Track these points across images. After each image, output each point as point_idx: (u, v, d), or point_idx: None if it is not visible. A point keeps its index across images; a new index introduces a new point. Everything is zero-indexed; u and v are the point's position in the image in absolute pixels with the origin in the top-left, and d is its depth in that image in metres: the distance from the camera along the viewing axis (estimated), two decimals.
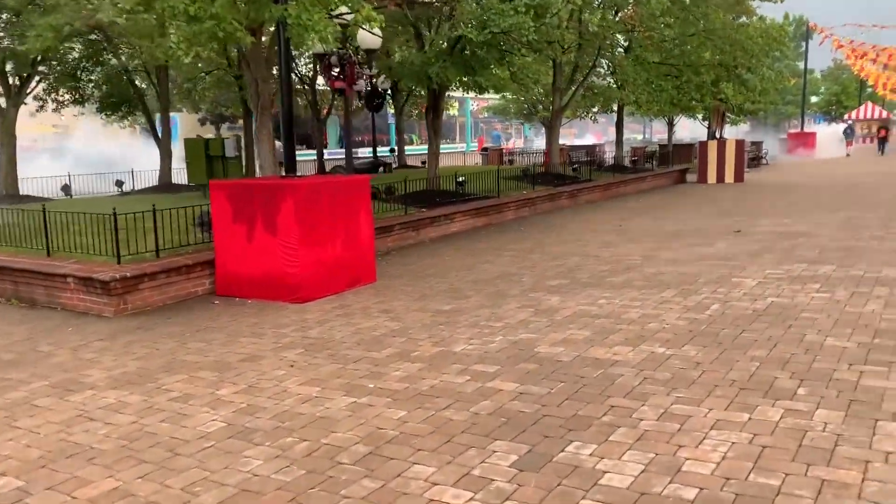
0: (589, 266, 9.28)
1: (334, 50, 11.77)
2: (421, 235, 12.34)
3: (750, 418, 4.12)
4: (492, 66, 13.24)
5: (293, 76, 16.39)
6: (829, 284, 7.44)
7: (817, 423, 4.00)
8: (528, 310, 7.07)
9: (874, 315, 6.17)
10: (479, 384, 4.94)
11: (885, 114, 56.74)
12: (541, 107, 22.90)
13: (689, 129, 45.91)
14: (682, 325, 6.22)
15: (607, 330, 6.17)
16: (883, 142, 38.85)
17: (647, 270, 8.77)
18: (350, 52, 12.88)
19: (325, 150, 23.95)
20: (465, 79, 13.06)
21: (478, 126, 53.76)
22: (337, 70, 12.52)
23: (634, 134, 60.50)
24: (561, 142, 22.56)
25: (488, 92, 14.03)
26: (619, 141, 23.62)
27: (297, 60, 19.44)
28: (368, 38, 12.25)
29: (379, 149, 26.65)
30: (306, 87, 20.98)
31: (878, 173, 23.99)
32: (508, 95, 30.33)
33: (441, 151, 16.78)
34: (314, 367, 5.54)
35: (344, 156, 19.53)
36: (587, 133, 47.79)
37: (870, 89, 54.94)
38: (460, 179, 15.55)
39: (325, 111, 22.50)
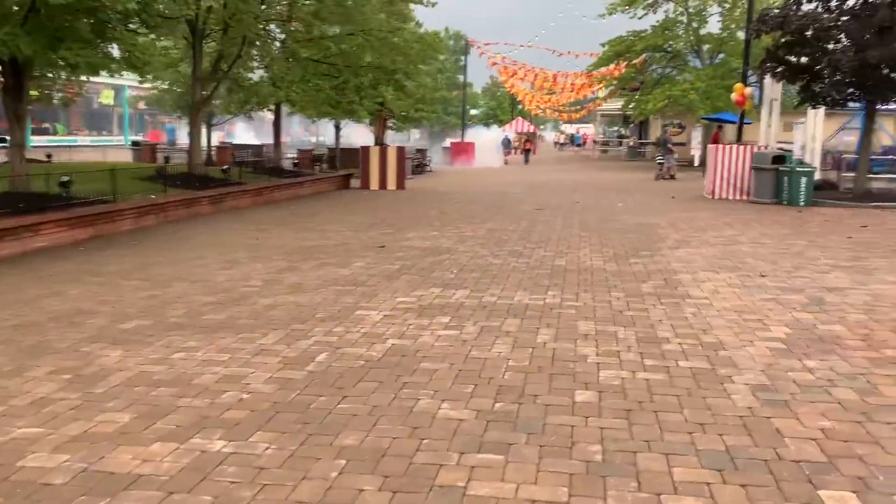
0: (192, 296, 7.34)
1: None
2: None
3: None
4: (93, 40, 10.59)
5: None
6: (459, 317, 6.44)
7: None
8: (63, 377, 4.92)
9: (500, 362, 5.16)
10: None
11: (532, 128, 62.91)
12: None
13: (365, 134, 46.10)
14: (268, 392, 4.60)
15: (162, 408, 4.31)
16: (527, 153, 42.53)
17: (260, 302, 7.09)
18: None
19: None
20: (52, 55, 10.21)
21: (142, 118, 48.30)
22: None
23: (313, 137, 59.54)
24: (232, 140, 20.26)
25: (86, 72, 11.29)
26: (277, 142, 21.94)
27: None
28: None
29: None
30: None
31: (524, 183, 25.53)
32: (163, 85, 26.91)
33: (91, 145, 13.48)
34: None
35: None
36: (266, 132, 45.53)
37: (520, 105, 60.64)
38: (64, 179, 12.55)
39: None
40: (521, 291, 7.50)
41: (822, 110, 18.76)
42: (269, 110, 22.37)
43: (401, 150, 23.56)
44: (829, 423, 4.03)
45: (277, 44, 19.22)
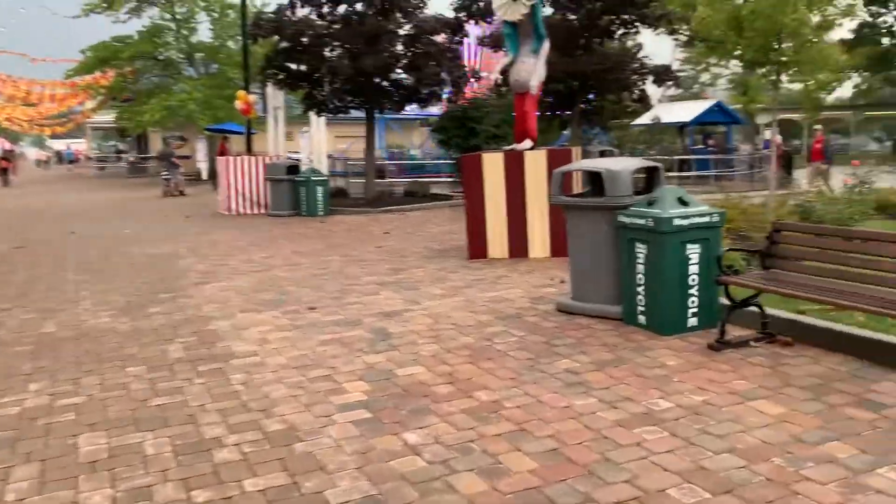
0: None
1: None
2: None
3: None
4: None
5: None
6: None
7: None
8: None
9: None
10: None
11: (7, 145, 53.49)
12: None
13: None
14: None
15: None
16: (5, 173, 35.60)
17: None
18: None
19: None
20: None
21: None
22: None
23: None
24: None
25: None
26: None
27: None
28: None
29: None
30: None
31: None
32: None
33: None
34: None
35: None
36: None
37: None
38: None
39: None
40: None
41: (323, 118, 18.89)
42: None
43: None
44: None
45: None
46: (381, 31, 15.65)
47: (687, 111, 34.21)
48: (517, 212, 9.21)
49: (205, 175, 32.90)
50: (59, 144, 75.45)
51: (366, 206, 17.16)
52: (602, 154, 22.34)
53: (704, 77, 52.71)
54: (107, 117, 44.50)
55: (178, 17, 35.33)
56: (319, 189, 16.18)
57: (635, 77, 18.09)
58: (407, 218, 15.31)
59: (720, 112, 34.77)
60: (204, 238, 12.86)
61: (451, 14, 17.08)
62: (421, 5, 16.99)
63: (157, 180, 32.43)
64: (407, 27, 16.39)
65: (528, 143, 9.57)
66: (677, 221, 5.41)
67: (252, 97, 18.31)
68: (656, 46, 26.73)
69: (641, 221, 5.57)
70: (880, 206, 10.14)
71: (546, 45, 9.58)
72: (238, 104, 18.31)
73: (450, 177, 21.76)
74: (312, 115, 18.50)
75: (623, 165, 6.10)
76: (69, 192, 28.65)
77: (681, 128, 33.73)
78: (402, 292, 7.58)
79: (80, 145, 67.82)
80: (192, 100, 31.67)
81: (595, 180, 6.51)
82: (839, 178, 10.56)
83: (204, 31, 38.17)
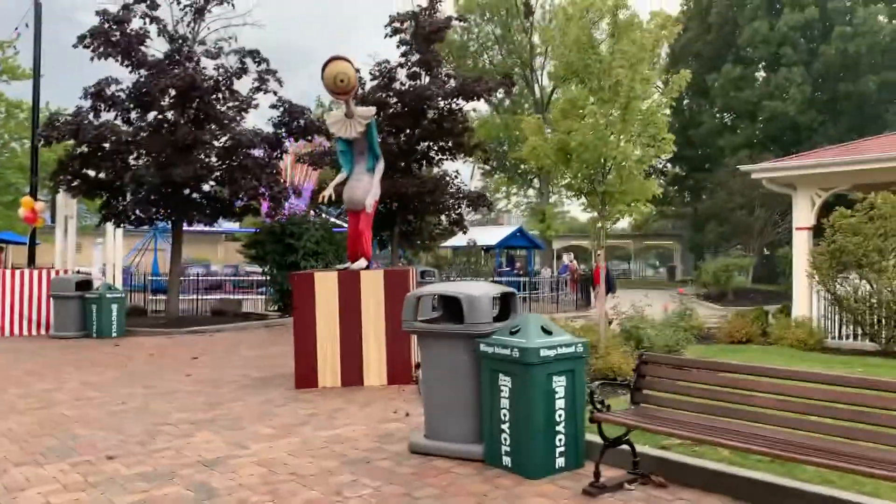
0: None
1: None
2: None
3: None
4: None
5: None
6: None
7: None
8: None
9: None
10: None
11: None
12: None
13: None
14: None
15: None
16: None
17: None
18: None
19: None
20: None
21: None
22: None
23: None
24: None
25: None
26: None
27: None
28: None
29: None
30: None
31: None
32: None
33: None
34: None
35: None
36: None
37: None
38: None
39: None
40: None
41: (120, 230, 17.23)
42: None
43: None
44: None
45: None
46: (195, 141, 14.73)
47: (493, 235, 35.91)
48: (351, 335, 8.52)
49: None
50: None
51: (167, 325, 15.54)
52: (423, 275, 22.44)
53: (502, 204, 56.32)
54: None
55: None
56: (114, 307, 14.41)
57: (452, 201, 18.46)
58: (217, 340, 13.97)
59: (522, 237, 36.89)
60: None
61: (269, 129, 16.56)
62: (238, 118, 16.37)
63: None
64: (223, 139, 15.60)
65: (362, 262, 9.04)
66: (544, 352, 5.04)
67: (39, 204, 16.30)
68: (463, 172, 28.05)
69: (506, 352, 5.13)
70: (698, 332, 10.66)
71: (381, 164, 9.31)
72: (22, 211, 16.20)
73: (259, 293, 20.63)
74: (109, 225, 16.84)
75: (482, 290, 5.70)
76: None
77: (486, 250, 35.21)
78: (222, 433, 6.49)
79: None
80: None
81: (447, 304, 6.07)
82: (627, 302, 11.00)
83: None
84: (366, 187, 9.08)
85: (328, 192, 9.12)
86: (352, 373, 8.54)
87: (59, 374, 9.91)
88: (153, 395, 8.31)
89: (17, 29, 18.27)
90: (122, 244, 18.93)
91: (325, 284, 8.59)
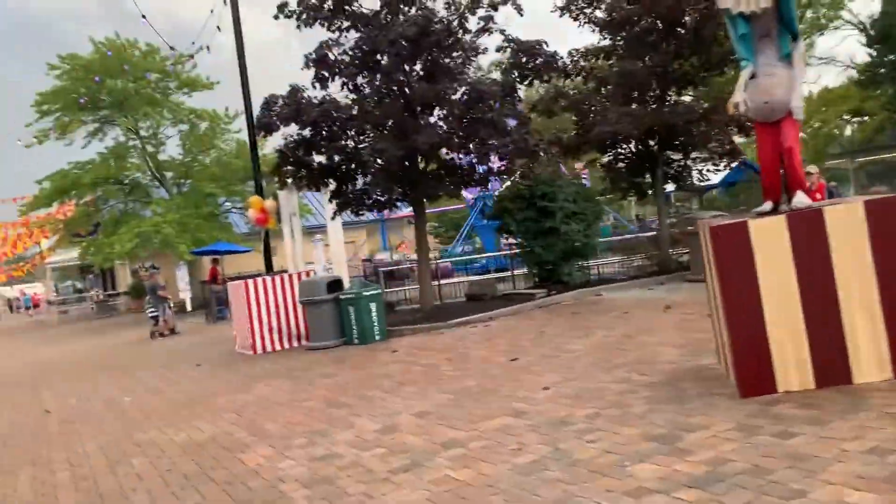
0: None
1: None
2: None
3: None
4: None
5: None
6: None
7: None
8: None
9: None
10: None
11: None
12: None
13: None
14: None
15: None
16: None
17: None
18: None
19: None
20: None
21: None
22: None
23: None
24: None
25: None
26: None
27: None
28: None
29: None
30: None
31: None
32: None
33: None
34: None
35: None
36: None
37: None
38: None
39: None
40: None
41: (339, 220, 15.25)
42: None
43: None
44: None
45: None
46: (437, 98, 12.23)
47: None
48: (823, 309, 5.53)
49: (190, 306, 28.76)
50: (13, 292, 69.45)
51: (427, 320, 13.33)
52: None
53: None
54: (66, 255, 40.42)
55: (142, 134, 31.97)
56: (373, 305, 12.32)
57: (726, 128, 15.00)
58: (499, 331, 11.50)
59: None
60: (249, 399, 8.86)
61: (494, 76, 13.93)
62: (465, 69, 13.73)
63: (133, 319, 28.30)
64: (459, 92, 13.02)
65: (801, 196, 6.00)
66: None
67: (270, 203, 14.56)
68: None
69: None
70: None
71: (801, 47, 6.19)
72: (252, 213, 14.55)
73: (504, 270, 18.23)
74: (328, 218, 14.98)
75: None
76: (34, 346, 24.14)
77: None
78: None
79: (36, 289, 62.60)
80: (167, 223, 27.85)
81: None
82: None
83: (172, 147, 34.97)
84: (785, 83, 6.01)
85: (737, 97, 6.10)
86: (828, 364, 5.54)
87: (372, 404, 7.67)
88: (547, 428, 5.73)
89: (194, 42, 16.78)
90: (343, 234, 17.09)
91: (769, 236, 5.63)
